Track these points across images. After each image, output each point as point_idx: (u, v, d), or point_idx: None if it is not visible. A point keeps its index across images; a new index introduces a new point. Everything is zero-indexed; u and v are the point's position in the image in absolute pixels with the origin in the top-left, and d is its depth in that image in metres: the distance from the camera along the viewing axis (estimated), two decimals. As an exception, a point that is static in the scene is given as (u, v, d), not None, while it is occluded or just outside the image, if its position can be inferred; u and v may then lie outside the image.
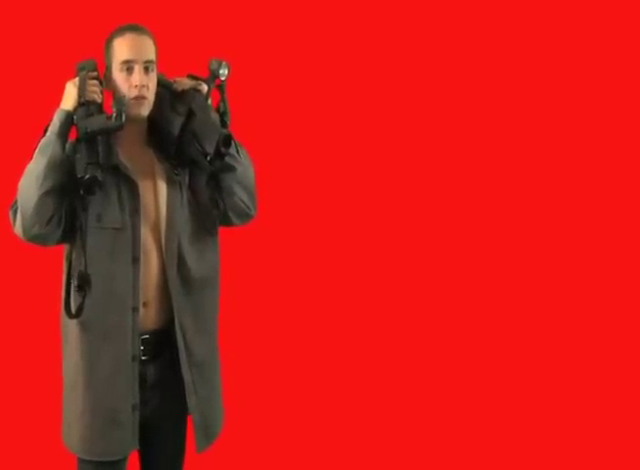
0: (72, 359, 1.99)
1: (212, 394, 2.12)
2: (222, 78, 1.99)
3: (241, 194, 2.03)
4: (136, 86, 1.89)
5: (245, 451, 2.99)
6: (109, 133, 1.87)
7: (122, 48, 1.91)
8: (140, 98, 1.91)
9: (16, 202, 1.90)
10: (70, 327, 1.98)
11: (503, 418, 3.21)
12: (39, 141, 1.88)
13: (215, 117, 1.98)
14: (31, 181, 1.84)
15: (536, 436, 3.16)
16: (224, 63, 1.99)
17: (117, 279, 1.92)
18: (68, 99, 1.88)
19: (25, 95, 2.88)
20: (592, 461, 3.02)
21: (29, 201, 1.83)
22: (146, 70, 1.91)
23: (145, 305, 1.97)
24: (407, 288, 3.42)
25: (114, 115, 1.83)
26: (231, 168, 2.00)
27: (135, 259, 1.94)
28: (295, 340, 3.33)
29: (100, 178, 1.83)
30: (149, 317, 1.98)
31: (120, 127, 1.84)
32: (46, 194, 1.83)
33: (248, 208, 2.07)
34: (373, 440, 3.13)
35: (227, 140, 1.95)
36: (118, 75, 1.91)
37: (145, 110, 1.93)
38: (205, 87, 2.00)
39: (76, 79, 1.89)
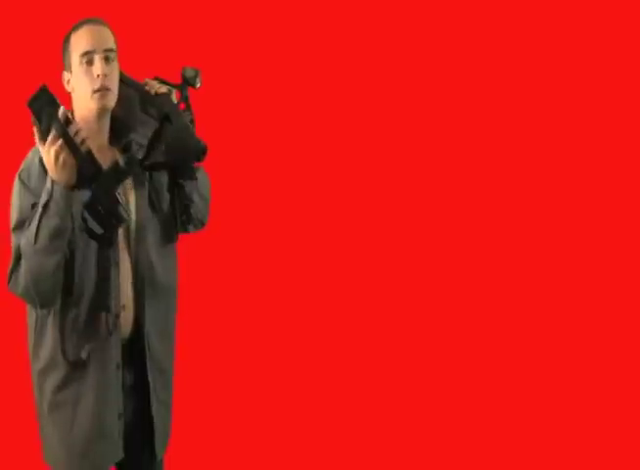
0: (55, 381, 1.91)
1: (170, 400, 2.10)
2: (196, 87, 1.95)
3: (199, 202, 2.03)
4: (98, 76, 1.82)
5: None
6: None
7: (80, 40, 1.84)
8: (103, 89, 1.83)
9: (15, 269, 1.81)
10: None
11: (503, 418, 3.20)
12: (36, 220, 1.73)
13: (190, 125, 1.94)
14: (44, 259, 1.74)
15: (536, 436, 3.15)
16: (199, 72, 1.95)
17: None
18: (61, 171, 1.67)
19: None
20: (592, 461, 3.02)
21: (46, 280, 1.76)
22: (106, 59, 1.84)
23: (124, 307, 1.92)
24: (392, 291, 3.39)
25: (125, 161, 1.78)
26: (194, 177, 1.97)
27: (116, 264, 1.88)
28: (258, 345, 3.29)
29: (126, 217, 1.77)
30: (128, 320, 1.94)
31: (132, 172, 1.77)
32: (59, 264, 1.76)
33: (203, 216, 2.09)
34: (358, 445, 3.11)
35: (204, 151, 1.91)
36: (79, 70, 1.83)
37: (110, 101, 1.85)
38: (174, 94, 1.95)
39: (56, 142, 1.65)
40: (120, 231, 1.89)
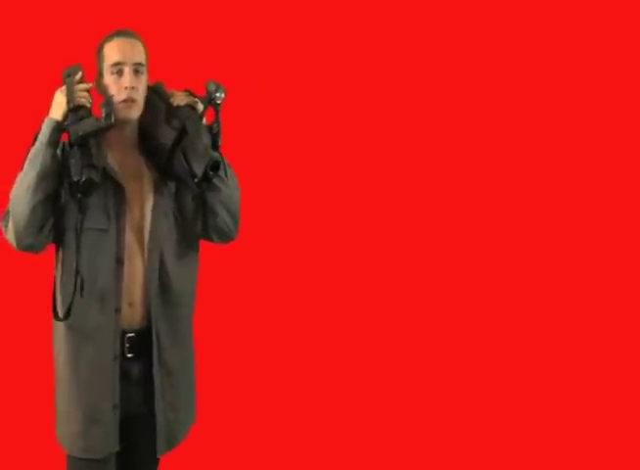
0: (60, 357, 2.04)
1: (180, 400, 2.12)
2: (218, 102, 1.99)
3: (223, 215, 2.05)
4: (126, 88, 1.92)
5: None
6: (100, 134, 1.90)
7: (112, 51, 1.95)
8: (129, 101, 1.93)
9: (8, 211, 1.94)
10: (57, 326, 2.03)
11: (503, 418, 3.20)
12: (29, 150, 1.91)
13: (207, 138, 1.98)
14: (23, 192, 1.87)
15: (536, 436, 3.14)
16: (222, 86, 1.98)
17: (101, 280, 1.96)
18: (57, 107, 1.89)
19: (22, 101, 2.90)
20: (592, 461, 3.01)
21: (22, 212, 1.87)
22: (135, 72, 1.94)
23: (131, 304, 2.01)
24: (397, 296, 3.40)
25: (104, 115, 1.88)
26: (216, 189, 2.01)
27: (119, 261, 1.97)
28: (276, 353, 3.31)
29: (96, 180, 1.86)
30: (135, 317, 2.02)
31: (110, 127, 1.88)
32: (38, 204, 1.87)
33: (229, 229, 2.09)
34: (361, 449, 3.13)
35: (216, 165, 1.96)
36: (109, 79, 1.94)
37: (134, 113, 1.96)
38: (200, 106, 2.00)
39: (64, 87, 1.90)
40: (132, 234, 1.99)
